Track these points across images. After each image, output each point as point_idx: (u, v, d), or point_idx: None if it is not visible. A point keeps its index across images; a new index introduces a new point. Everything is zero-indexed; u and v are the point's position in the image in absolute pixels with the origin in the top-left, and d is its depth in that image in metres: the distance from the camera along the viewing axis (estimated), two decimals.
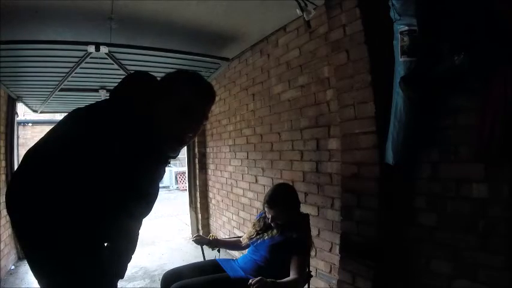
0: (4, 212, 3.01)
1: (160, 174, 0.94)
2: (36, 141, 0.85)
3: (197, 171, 4.04)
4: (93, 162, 0.77)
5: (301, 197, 1.89)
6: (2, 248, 2.80)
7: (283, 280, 1.36)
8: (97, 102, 0.94)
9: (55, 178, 0.76)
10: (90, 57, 2.47)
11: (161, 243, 3.94)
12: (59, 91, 3.16)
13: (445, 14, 1.19)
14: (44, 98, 3.46)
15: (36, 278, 0.84)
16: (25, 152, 0.84)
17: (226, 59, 3.02)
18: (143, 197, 0.90)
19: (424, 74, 1.24)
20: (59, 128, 0.87)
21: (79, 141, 0.79)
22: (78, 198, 0.77)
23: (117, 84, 0.97)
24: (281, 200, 1.58)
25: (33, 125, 10.17)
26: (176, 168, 11.28)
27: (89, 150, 0.78)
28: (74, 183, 0.76)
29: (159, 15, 2.02)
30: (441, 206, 1.34)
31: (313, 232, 1.89)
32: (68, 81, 2.89)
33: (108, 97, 0.97)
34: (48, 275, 0.81)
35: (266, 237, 1.62)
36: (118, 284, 0.98)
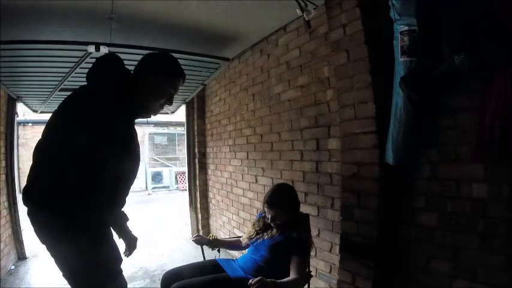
0: (4, 212, 3.01)
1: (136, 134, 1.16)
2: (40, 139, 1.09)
3: (197, 171, 4.04)
4: (93, 142, 0.99)
5: (301, 197, 1.89)
6: (2, 248, 2.80)
7: (283, 280, 1.35)
8: (80, 93, 1.15)
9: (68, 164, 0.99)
10: (90, 57, 2.47)
11: (161, 243, 3.94)
12: (59, 91, 3.15)
13: (445, 14, 1.19)
14: (44, 98, 3.46)
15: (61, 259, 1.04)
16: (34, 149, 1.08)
17: (226, 59, 3.02)
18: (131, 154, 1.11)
19: (424, 74, 1.23)
20: (54, 121, 1.09)
21: (81, 127, 1.01)
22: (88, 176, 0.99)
23: (93, 68, 1.23)
24: (281, 200, 1.57)
25: (33, 125, 10.17)
26: (176, 168, 11.29)
27: (87, 133, 0.99)
28: (82, 163, 0.98)
29: (159, 15, 2.02)
30: (441, 206, 1.34)
31: (313, 232, 1.89)
32: (68, 81, 2.89)
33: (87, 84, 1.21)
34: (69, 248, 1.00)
35: (266, 237, 1.62)
36: None
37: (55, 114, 1.10)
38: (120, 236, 1.34)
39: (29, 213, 1.05)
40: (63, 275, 1.07)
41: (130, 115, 1.15)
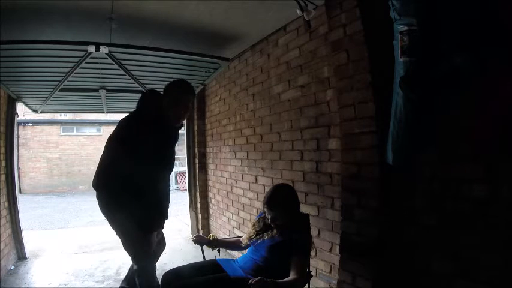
0: (4, 212, 3.02)
1: (173, 141, 1.75)
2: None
3: (197, 171, 4.04)
4: (136, 148, 1.58)
5: (301, 197, 1.90)
6: (2, 248, 2.80)
7: (283, 280, 1.35)
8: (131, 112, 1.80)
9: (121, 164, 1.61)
10: (90, 57, 2.47)
11: None
12: (59, 91, 3.15)
13: (445, 13, 1.19)
14: (44, 98, 3.46)
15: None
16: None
17: (226, 59, 3.02)
18: (166, 158, 1.71)
19: (424, 74, 1.23)
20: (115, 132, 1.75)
21: (127, 137, 1.65)
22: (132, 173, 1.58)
23: (140, 99, 1.82)
24: (281, 201, 1.57)
25: (33, 125, 10.18)
26: (176, 168, 11.25)
27: (132, 141, 1.60)
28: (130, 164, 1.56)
29: (159, 15, 2.02)
30: (441, 206, 1.34)
31: (313, 232, 1.89)
32: (68, 81, 2.89)
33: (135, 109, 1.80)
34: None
35: (266, 237, 1.62)
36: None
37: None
38: None
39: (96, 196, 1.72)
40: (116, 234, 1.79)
41: (160, 124, 1.66)
